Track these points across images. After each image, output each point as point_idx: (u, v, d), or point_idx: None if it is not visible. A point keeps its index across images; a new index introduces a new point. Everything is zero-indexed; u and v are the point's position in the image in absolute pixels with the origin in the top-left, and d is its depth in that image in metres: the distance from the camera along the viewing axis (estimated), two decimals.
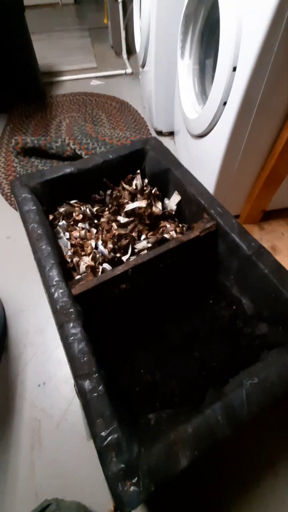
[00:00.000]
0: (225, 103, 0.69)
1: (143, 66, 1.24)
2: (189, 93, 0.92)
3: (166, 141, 1.33)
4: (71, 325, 0.45)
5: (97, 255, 0.61)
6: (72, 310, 0.47)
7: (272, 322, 0.55)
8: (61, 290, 0.49)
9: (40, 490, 0.60)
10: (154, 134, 1.35)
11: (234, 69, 0.62)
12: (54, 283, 0.50)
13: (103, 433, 0.36)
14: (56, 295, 0.48)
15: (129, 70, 1.73)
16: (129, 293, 0.62)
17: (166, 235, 0.64)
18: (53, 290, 0.49)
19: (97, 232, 0.69)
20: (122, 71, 1.75)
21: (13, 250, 0.98)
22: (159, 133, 1.34)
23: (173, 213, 0.72)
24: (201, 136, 0.86)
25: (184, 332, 0.62)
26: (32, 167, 1.17)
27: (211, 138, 0.81)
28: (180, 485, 0.59)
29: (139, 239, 0.67)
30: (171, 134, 1.33)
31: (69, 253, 0.60)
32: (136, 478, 0.34)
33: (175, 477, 0.34)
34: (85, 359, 0.42)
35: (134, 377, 0.56)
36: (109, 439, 0.36)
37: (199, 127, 0.84)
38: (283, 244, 0.95)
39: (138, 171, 0.74)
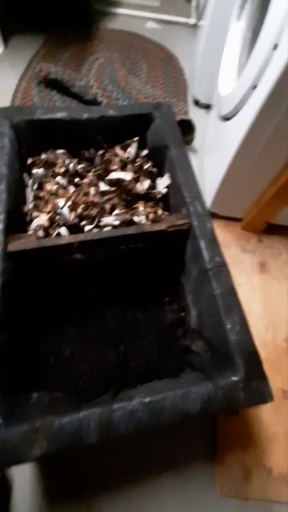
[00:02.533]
0: (255, 87, 0.57)
1: (200, 16, 1.06)
2: (232, 64, 0.78)
3: (200, 114, 1.18)
4: None
5: (57, 217, 0.56)
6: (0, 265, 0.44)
7: (207, 344, 0.51)
8: None
9: None
10: (190, 103, 1.21)
11: (275, 47, 0.50)
12: None
13: None
14: None
15: (192, 21, 1.50)
16: (83, 264, 0.59)
17: (136, 218, 0.58)
18: None
19: (73, 192, 0.64)
20: (185, 20, 1.52)
21: None
22: (196, 102, 1.20)
23: (158, 196, 0.65)
24: (226, 118, 0.75)
25: (122, 321, 0.59)
26: (50, 101, 1.09)
27: (234, 124, 0.70)
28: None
29: (110, 213, 0.61)
30: (207, 107, 1.18)
31: (30, 205, 0.56)
32: None
33: (20, 462, 0.33)
34: None
35: (55, 347, 0.55)
36: None
37: (226, 107, 0.72)
38: (275, 265, 0.87)
39: (136, 138, 0.66)
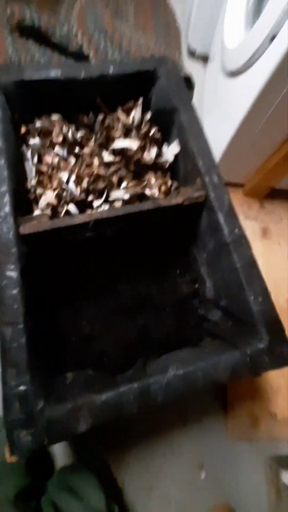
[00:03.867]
0: (273, 38, 0.52)
1: None
2: (238, 11, 0.70)
3: (196, 67, 1.09)
4: (9, 267, 0.41)
5: (64, 193, 0.53)
6: (13, 250, 0.42)
7: (226, 314, 0.53)
8: (6, 225, 0.43)
9: None
10: (184, 52, 1.10)
11: None
12: (2, 214, 0.43)
13: (13, 382, 0.36)
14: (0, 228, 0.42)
15: None
16: (94, 241, 0.57)
17: (148, 191, 0.55)
18: None
19: (75, 164, 0.59)
20: None
21: None
22: (192, 53, 1.09)
23: (167, 165, 0.62)
24: (234, 74, 0.69)
25: (137, 296, 0.60)
26: (27, 54, 0.95)
27: (245, 80, 0.65)
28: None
29: (118, 186, 0.58)
30: (204, 59, 1.08)
31: (33, 182, 0.52)
32: (33, 430, 0.35)
33: (71, 437, 0.35)
34: (14, 306, 0.39)
35: (73, 326, 0.55)
36: (17, 389, 0.36)
37: (234, 61, 0.66)
38: (277, 230, 0.89)
39: (141, 99, 0.60)
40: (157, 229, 0.61)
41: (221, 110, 0.78)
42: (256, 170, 0.82)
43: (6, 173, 0.46)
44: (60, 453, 0.63)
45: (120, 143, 0.58)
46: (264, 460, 0.68)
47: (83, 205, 0.55)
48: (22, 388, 0.36)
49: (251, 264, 0.46)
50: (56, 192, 0.51)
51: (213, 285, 0.56)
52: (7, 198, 0.44)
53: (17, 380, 0.36)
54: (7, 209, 0.44)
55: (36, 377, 0.37)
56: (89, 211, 0.54)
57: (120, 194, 0.55)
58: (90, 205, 0.56)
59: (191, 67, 1.08)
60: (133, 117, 0.60)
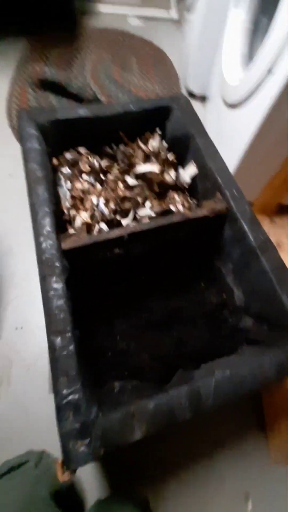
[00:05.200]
0: (270, 71, 0.60)
1: (188, 10, 1.08)
2: (234, 53, 0.81)
3: (196, 106, 1.20)
4: (54, 279, 0.43)
5: (96, 213, 0.57)
6: (58, 264, 0.44)
7: (259, 319, 0.53)
8: (50, 241, 0.46)
9: (2, 423, 0.63)
10: (185, 94, 1.23)
11: None
12: (45, 232, 0.47)
13: (64, 391, 0.36)
14: (44, 245, 0.45)
15: (174, 15, 1.52)
16: (122, 259, 0.59)
17: (172, 207, 0.60)
18: (42, 239, 0.46)
19: (102, 189, 0.64)
20: (166, 15, 1.54)
21: (13, 188, 0.93)
22: (191, 94, 1.22)
23: (186, 186, 0.67)
24: (236, 105, 0.78)
25: (167, 310, 0.61)
26: (46, 103, 1.07)
27: (247, 110, 0.73)
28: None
29: (143, 205, 0.62)
30: (203, 99, 1.21)
31: (68, 204, 0.56)
32: (88, 440, 0.34)
33: (126, 446, 0.34)
34: (61, 316, 0.41)
35: (109, 342, 0.56)
36: (69, 398, 0.36)
37: (237, 93, 0.75)
38: None
39: (159, 131, 0.67)
40: (182, 245, 0.64)
41: (227, 138, 0.86)
42: (263, 189, 0.88)
43: (47, 197, 0.50)
44: (92, 487, 0.59)
45: (142, 167, 0.64)
46: None
47: (113, 224, 0.59)
48: (74, 396, 0.36)
49: (281, 266, 0.48)
50: (89, 212, 0.55)
51: (242, 293, 0.57)
52: (49, 218, 0.48)
53: (69, 388, 0.36)
54: (49, 227, 0.47)
55: (86, 385, 0.37)
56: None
57: (147, 211, 0.59)
58: (119, 224, 0.60)
59: (192, 104, 1.21)
60: (152, 146, 0.67)
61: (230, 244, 0.58)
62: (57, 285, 0.43)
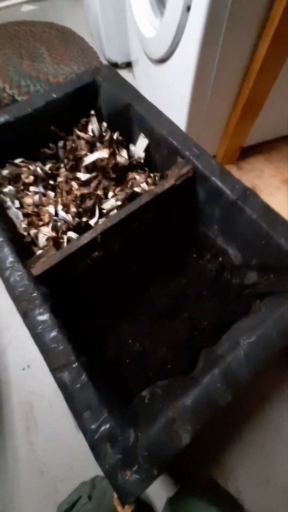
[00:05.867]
0: (189, 8, 0.54)
1: None
2: (144, 4, 0.73)
3: (124, 74, 1.12)
4: (37, 311, 0.38)
5: (59, 223, 0.51)
6: (35, 294, 0.39)
7: (263, 270, 0.50)
8: (18, 273, 0.40)
9: (45, 467, 0.60)
10: None
11: None
12: (8, 265, 0.41)
13: (93, 426, 0.32)
14: (12, 279, 0.40)
15: None
16: (104, 260, 0.54)
17: (136, 189, 0.54)
18: (8, 273, 0.40)
19: (55, 196, 0.58)
20: None
21: None
22: (115, 65, 1.13)
23: (142, 161, 0.61)
24: (164, 59, 0.71)
25: (170, 293, 0.57)
26: None
27: (176, 60, 0.66)
28: None
29: (106, 197, 0.57)
30: (128, 65, 1.12)
31: (23, 225, 0.50)
32: (136, 466, 0.30)
33: (179, 454, 0.31)
34: (60, 348, 0.36)
35: (122, 349, 0.52)
36: (100, 430, 0.32)
37: (160, 46, 0.68)
38: (263, 183, 0.89)
39: (93, 112, 0.60)
40: (160, 222, 0.59)
41: (166, 97, 0.80)
42: (220, 138, 0.83)
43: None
44: (155, 488, 0.57)
45: (90, 157, 0.58)
46: None
47: (81, 228, 0.54)
48: (105, 427, 0.32)
49: (267, 209, 0.45)
50: (51, 224, 0.49)
51: (236, 250, 0.54)
52: (7, 248, 0.42)
53: (96, 421, 0.32)
54: (11, 257, 0.41)
55: (115, 409, 0.34)
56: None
57: (112, 202, 0.54)
58: (87, 225, 0.54)
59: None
60: (92, 130, 0.60)
61: (208, 205, 0.54)
62: (43, 316, 0.38)
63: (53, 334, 0.37)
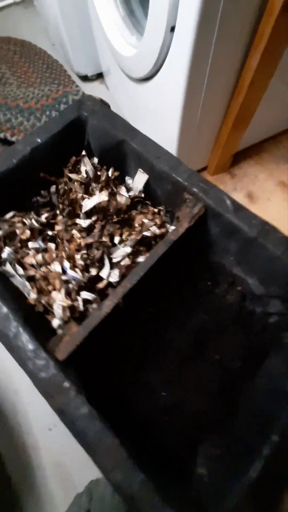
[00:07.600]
0: (172, 28, 0.50)
1: None
2: (113, 18, 0.67)
3: (95, 87, 1.06)
4: (73, 405, 0.34)
5: (70, 285, 0.47)
6: (66, 384, 0.35)
7: (285, 300, 0.49)
8: (41, 362, 0.36)
9: None
10: (77, 81, 1.07)
11: None
12: (29, 354, 0.37)
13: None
14: (36, 370, 0.36)
15: None
16: (118, 312, 0.51)
17: (146, 233, 0.51)
18: (31, 365, 0.36)
19: (57, 247, 0.53)
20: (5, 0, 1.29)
21: None
22: (84, 78, 1.06)
23: (142, 195, 0.57)
24: (147, 79, 0.66)
25: (190, 332, 0.55)
26: None
27: (162, 79, 0.62)
28: None
29: (112, 243, 0.53)
30: (100, 76, 1.06)
31: (32, 295, 0.46)
32: None
33: None
34: (110, 446, 0.33)
35: (152, 403, 0.49)
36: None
37: (142, 66, 0.63)
38: (259, 189, 0.87)
39: (84, 152, 0.56)
40: (173, 261, 0.56)
41: (151, 114, 0.75)
42: (212, 149, 0.80)
43: (6, 310, 0.39)
44: None
45: (89, 203, 0.53)
46: None
47: (94, 282, 0.50)
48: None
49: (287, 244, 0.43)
50: (63, 291, 0.45)
51: (257, 281, 0.52)
52: (25, 334, 0.38)
53: None
54: (31, 345, 0.37)
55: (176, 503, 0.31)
56: (109, 290, 0.49)
57: (122, 251, 0.50)
58: (98, 278, 0.50)
59: (91, 88, 1.06)
60: (86, 170, 0.55)
61: (221, 239, 0.51)
62: (81, 410, 0.34)
63: (96, 428, 0.33)
